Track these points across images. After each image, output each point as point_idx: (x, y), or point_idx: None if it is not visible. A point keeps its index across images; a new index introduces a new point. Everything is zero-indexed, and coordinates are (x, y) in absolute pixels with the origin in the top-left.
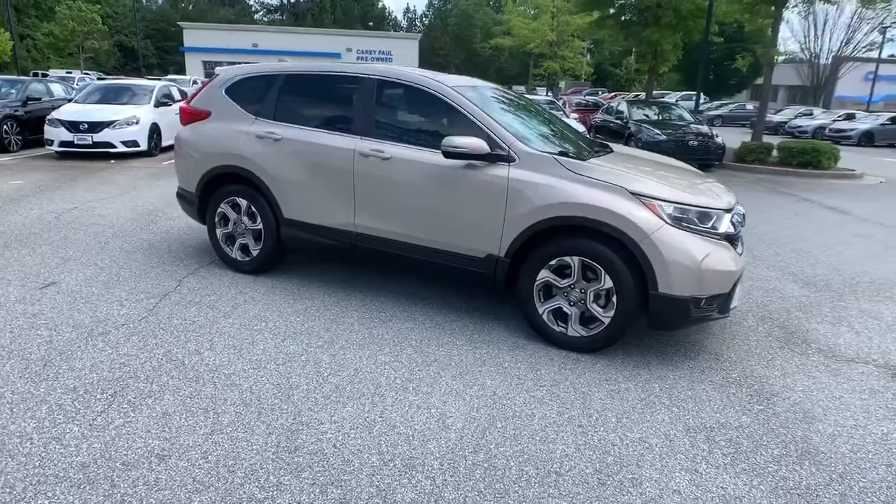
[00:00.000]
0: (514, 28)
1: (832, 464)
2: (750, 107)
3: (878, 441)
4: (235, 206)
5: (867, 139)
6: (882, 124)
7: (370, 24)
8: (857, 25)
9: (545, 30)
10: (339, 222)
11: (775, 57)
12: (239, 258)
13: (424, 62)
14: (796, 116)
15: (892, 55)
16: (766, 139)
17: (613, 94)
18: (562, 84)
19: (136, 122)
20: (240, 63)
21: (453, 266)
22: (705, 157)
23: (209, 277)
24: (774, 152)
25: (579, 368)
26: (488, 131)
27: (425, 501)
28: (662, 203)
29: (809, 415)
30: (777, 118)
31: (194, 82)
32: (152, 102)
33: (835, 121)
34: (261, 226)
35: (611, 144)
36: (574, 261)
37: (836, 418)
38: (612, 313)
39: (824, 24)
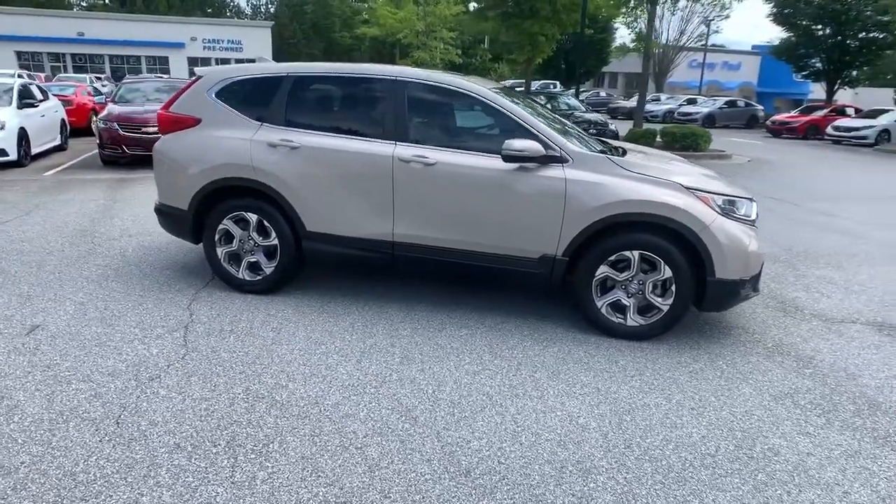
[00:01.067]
0: (381, 18)
1: None
2: (603, 94)
3: None
4: (241, 222)
5: (709, 121)
6: (720, 108)
7: (209, 10)
8: (688, 17)
9: (413, 20)
10: (375, 232)
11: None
12: (247, 278)
13: (276, 52)
14: (649, 102)
15: (714, 45)
16: (621, 124)
17: None
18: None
19: (2, 128)
20: (66, 53)
21: (502, 268)
22: None
23: (219, 302)
24: (658, 138)
25: (650, 356)
26: (538, 133)
27: (624, 501)
28: (713, 196)
29: (849, 373)
30: (629, 104)
31: (19, 76)
32: (14, 103)
33: (680, 105)
34: (275, 241)
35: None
36: (634, 255)
37: (870, 372)
38: (670, 301)
39: (661, 17)
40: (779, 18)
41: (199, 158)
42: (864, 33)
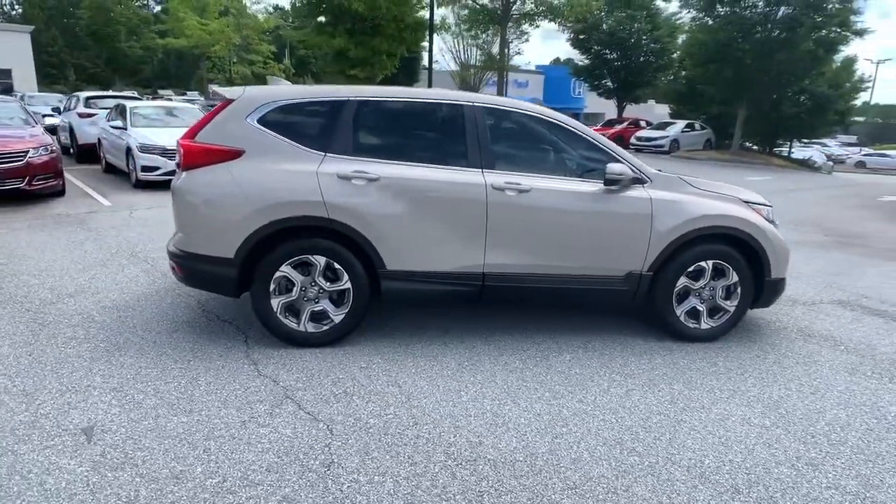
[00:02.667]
0: (188, 29)
1: None
2: None
3: None
4: (303, 267)
5: None
6: None
7: None
8: (493, 41)
9: (228, 32)
10: (465, 264)
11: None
12: (311, 330)
13: (37, 64)
14: None
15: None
16: None
17: None
18: (214, 88)
19: None
20: None
21: (589, 288)
22: None
23: (287, 361)
24: None
25: (716, 358)
26: (620, 156)
27: (861, 475)
28: (762, 207)
29: (868, 344)
30: None
31: None
32: None
33: None
34: (347, 285)
35: None
36: (708, 264)
37: (879, 341)
38: (736, 303)
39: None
40: (577, 44)
41: (252, 197)
42: (643, 58)
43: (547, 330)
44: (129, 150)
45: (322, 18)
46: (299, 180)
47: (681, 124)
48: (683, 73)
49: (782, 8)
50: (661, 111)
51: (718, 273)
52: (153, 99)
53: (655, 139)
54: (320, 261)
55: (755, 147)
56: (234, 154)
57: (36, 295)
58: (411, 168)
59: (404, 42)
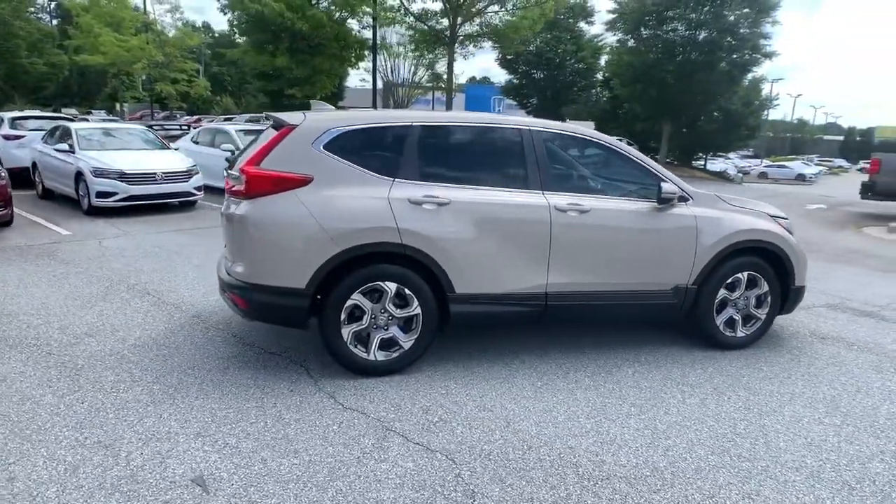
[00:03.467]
0: (105, 45)
1: None
2: None
3: None
4: (372, 293)
5: None
6: None
7: None
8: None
9: (150, 50)
10: (528, 285)
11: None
12: (380, 358)
13: None
14: None
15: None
16: None
17: (196, 117)
18: (126, 107)
19: None
20: None
21: (640, 304)
22: None
23: (363, 391)
24: None
25: (759, 363)
26: (665, 176)
27: None
28: (782, 220)
29: (876, 342)
30: None
31: None
32: None
33: None
34: (417, 310)
35: None
36: (743, 275)
37: (881, 338)
38: (766, 311)
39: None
40: (504, 64)
41: (326, 224)
42: (570, 77)
43: (595, 346)
44: (79, 175)
45: (261, 36)
46: (372, 206)
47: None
48: (607, 92)
49: (702, 32)
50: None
51: (751, 283)
52: (83, 119)
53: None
54: (391, 287)
55: (675, 161)
56: (304, 181)
57: (48, 336)
58: (478, 192)
59: (346, 61)
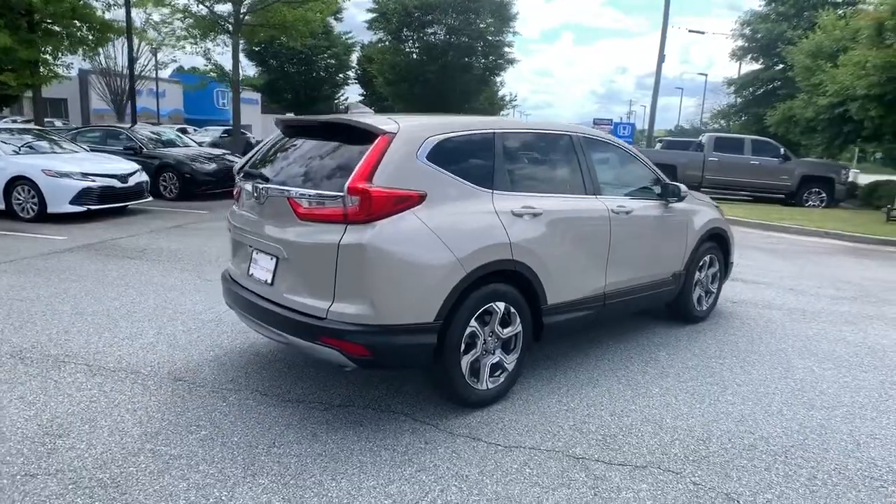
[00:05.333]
0: None
1: None
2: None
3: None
4: (485, 317)
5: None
6: (221, 136)
7: None
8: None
9: None
10: (593, 288)
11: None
12: (491, 386)
13: None
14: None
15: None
16: None
17: None
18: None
19: None
20: None
21: (655, 292)
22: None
23: (501, 427)
24: None
25: (759, 342)
26: (662, 176)
27: None
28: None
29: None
30: None
31: None
32: None
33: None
34: (519, 328)
35: None
36: (707, 258)
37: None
38: (717, 285)
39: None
40: (254, 57)
41: (452, 246)
42: (324, 73)
43: (599, 340)
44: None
45: None
46: (486, 222)
47: None
48: (362, 88)
49: (460, 38)
50: None
51: (710, 264)
52: None
53: None
54: (500, 307)
55: None
56: (419, 198)
57: (139, 360)
58: (557, 200)
59: (86, 45)
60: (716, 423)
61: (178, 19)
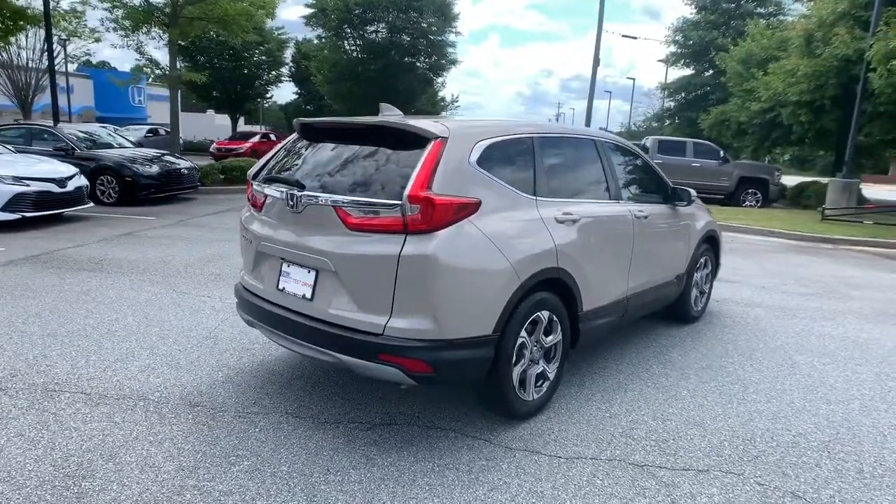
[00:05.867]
0: None
1: None
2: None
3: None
4: (531, 327)
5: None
6: (146, 136)
7: None
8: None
9: None
10: (618, 293)
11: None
12: (535, 397)
13: None
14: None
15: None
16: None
17: None
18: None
19: None
20: None
21: (663, 294)
22: (192, 184)
23: (556, 438)
24: (220, 174)
25: (764, 336)
26: (668, 180)
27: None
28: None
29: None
30: None
31: None
32: None
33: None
34: (559, 336)
35: None
36: (703, 259)
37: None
38: (709, 285)
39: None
40: (182, 52)
41: (509, 255)
42: (255, 69)
43: (612, 344)
44: None
45: None
46: (534, 230)
47: None
48: (297, 87)
49: (405, 37)
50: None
51: (704, 265)
52: None
53: None
54: (544, 316)
55: None
56: (476, 206)
57: (142, 385)
58: (589, 205)
59: None
60: (753, 423)
61: (106, 9)
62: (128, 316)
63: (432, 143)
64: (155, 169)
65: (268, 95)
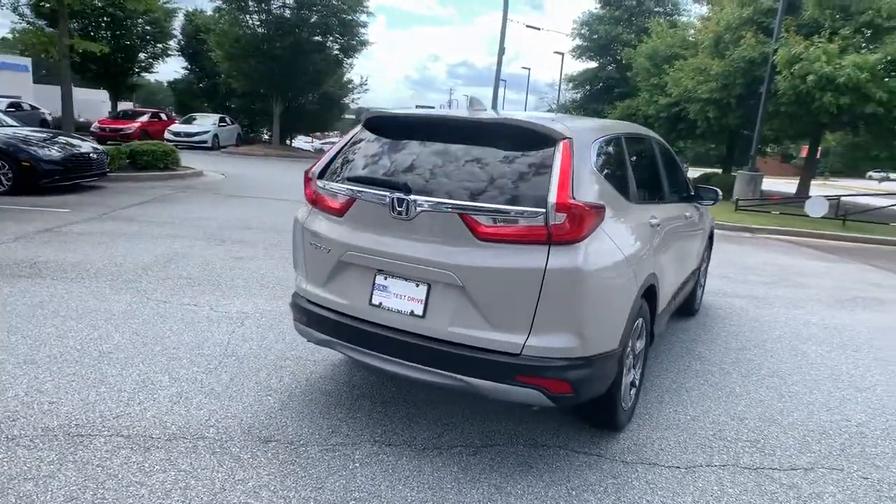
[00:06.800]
0: None
1: None
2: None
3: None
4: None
5: None
6: (6, 110)
7: None
8: None
9: None
10: (672, 292)
11: None
12: (629, 405)
13: None
14: None
15: None
16: None
17: None
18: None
19: None
20: None
21: (688, 290)
22: (101, 170)
23: (664, 450)
24: (127, 158)
25: (766, 328)
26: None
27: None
28: None
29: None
30: None
31: None
32: None
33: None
34: (644, 340)
35: None
36: (705, 254)
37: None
38: (704, 279)
39: None
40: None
41: (634, 264)
42: (138, 42)
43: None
44: None
45: None
46: (639, 235)
47: (213, 118)
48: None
49: (315, 15)
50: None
51: (707, 259)
52: None
53: (196, 134)
54: (639, 323)
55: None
56: (603, 212)
57: (187, 420)
58: (660, 208)
59: None
60: (816, 416)
61: None
62: (112, 333)
63: (561, 143)
64: (56, 152)
65: (153, 70)
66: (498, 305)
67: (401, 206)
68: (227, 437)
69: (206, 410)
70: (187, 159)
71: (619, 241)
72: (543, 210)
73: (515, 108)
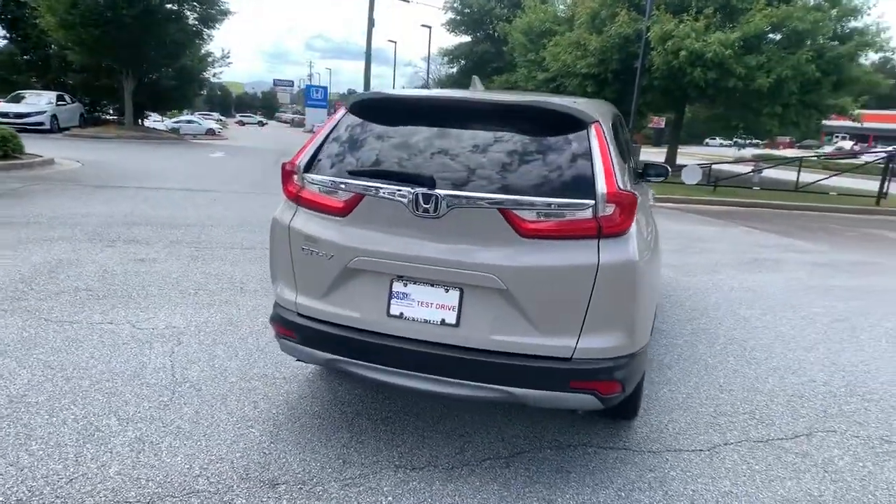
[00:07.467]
0: None
1: None
2: None
3: None
4: None
5: None
6: None
7: None
8: None
9: None
10: None
11: None
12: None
13: None
14: None
15: None
16: None
17: None
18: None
19: None
20: None
21: None
22: None
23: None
24: None
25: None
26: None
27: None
28: None
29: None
30: None
31: None
32: None
33: None
34: None
35: None
36: None
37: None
38: None
39: None
40: None
41: (658, 256)
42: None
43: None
44: None
45: None
46: (650, 221)
47: (49, 96)
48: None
49: None
50: None
51: None
52: None
53: (31, 115)
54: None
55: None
56: (637, 200)
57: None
58: (644, 187)
59: None
60: (787, 380)
61: None
62: (17, 369)
63: (592, 127)
64: None
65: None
66: (545, 307)
67: (427, 203)
68: (224, 488)
69: (182, 456)
70: (28, 145)
71: (643, 227)
72: (592, 201)
73: (383, 84)
